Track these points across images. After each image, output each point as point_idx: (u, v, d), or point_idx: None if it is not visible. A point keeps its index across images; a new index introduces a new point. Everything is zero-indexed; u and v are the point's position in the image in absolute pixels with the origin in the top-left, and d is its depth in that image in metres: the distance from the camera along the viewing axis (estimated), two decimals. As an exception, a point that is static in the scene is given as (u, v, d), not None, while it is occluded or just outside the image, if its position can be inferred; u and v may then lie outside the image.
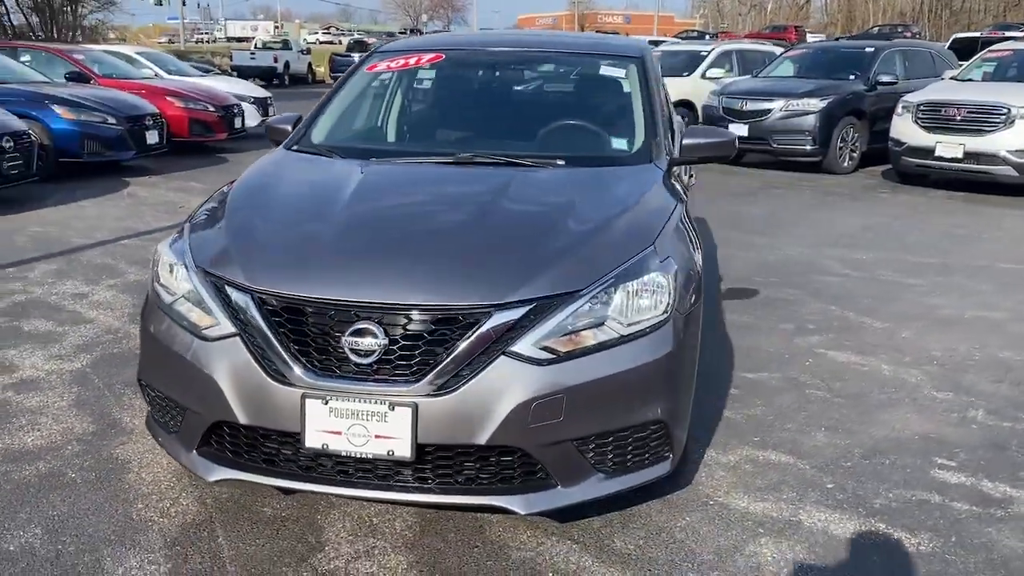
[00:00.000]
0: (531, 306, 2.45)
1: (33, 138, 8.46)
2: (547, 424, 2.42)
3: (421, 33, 34.98)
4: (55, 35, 36.68)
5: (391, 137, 3.80)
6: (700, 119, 12.58)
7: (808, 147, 11.36)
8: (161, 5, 48.61)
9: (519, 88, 4.17)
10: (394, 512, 2.86)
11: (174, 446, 2.74)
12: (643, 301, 2.59)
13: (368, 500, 2.64)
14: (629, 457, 2.62)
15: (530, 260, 2.58)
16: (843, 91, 11.59)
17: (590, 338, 2.49)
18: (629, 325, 2.54)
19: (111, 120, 9.87)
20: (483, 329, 2.41)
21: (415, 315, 2.43)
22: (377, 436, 2.41)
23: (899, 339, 4.79)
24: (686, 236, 3.06)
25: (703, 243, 6.10)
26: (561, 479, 2.51)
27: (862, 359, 4.46)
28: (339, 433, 2.43)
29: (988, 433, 3.60)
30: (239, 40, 59.96)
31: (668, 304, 2.62)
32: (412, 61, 4.04)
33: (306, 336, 2.47)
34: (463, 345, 2.40)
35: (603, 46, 4.22)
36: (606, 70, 3.96)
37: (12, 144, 8.04)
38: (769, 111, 11.48)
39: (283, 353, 2.46)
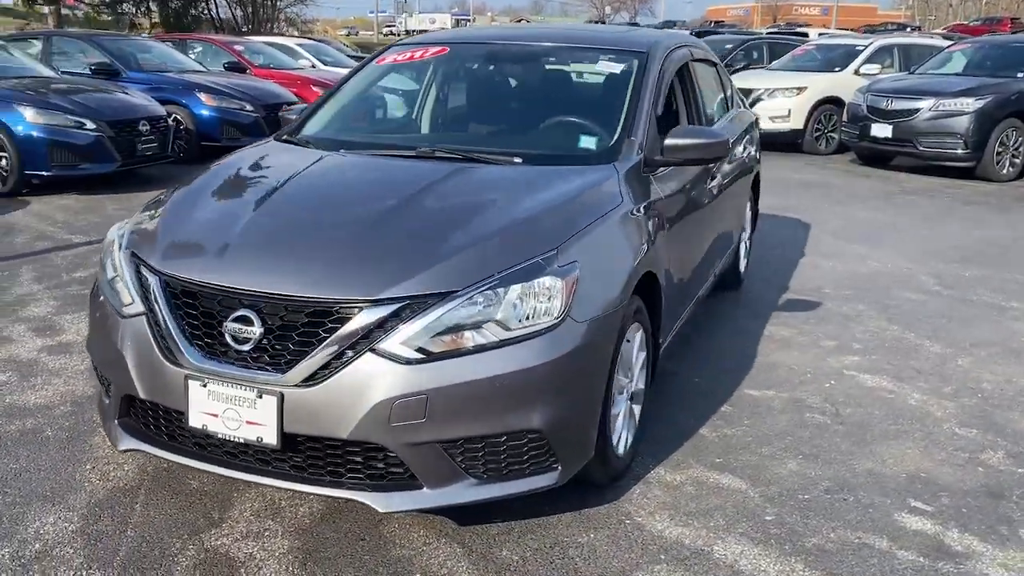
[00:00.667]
0: (400, 304, 2.43)
1: (169, 122, 9.18)
2: (409, 424, 2.40)
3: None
4: (256, 28, 39.43)
5: (372, 129, 3.84)
6: (846, 118, 11.83)
7: (959, 151, 10.43)
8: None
9: (510, 83, 4.11)
10: (304, 499, 2.92)
11: (105, 414, 2.93)
12: (532, 305, 2.50)
13: (250, 483, 2.70)
14: (505, 465, 2.55)
15: (413, 258, 2.55)
16: (1007, 90, 10.54)
17: (467, 340, 2.44)
18: (512, 329, 2.46)
19: (248, 107, 10.54)
20: (352, 324, 2.41)
21: (289, 306, 2.48)
22: (248, 422, 2.48)
23: (951, 366, 4.34)
24: (624, 242, 2.92)
25: (786, 250, 5.75)
26: (427, 480, 2.48)
27: (894, 385, 4.08)
28: (216, 416, 2.51)
29: (991, 478, 3.21)
30: (420, 33, 62.02)
31: (560, 310, 2.52)
32: (419, 55, 4.06)
33: (197, 320, 2.57)
34: (332, 339, 2.42)
35: (611, 40, 4.07)
36: (603, 66, 3.83)
37: (148, 127, 8.77)
38: (916, 111, 10.63)
39: (175, 335, 2.57)
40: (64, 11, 25.14)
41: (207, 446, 2.64)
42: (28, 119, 8.12)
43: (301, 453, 2.52)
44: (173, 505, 2.88)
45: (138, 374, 2.65)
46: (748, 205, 5.47)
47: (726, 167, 4.51)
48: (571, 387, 2.57)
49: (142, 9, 32.14)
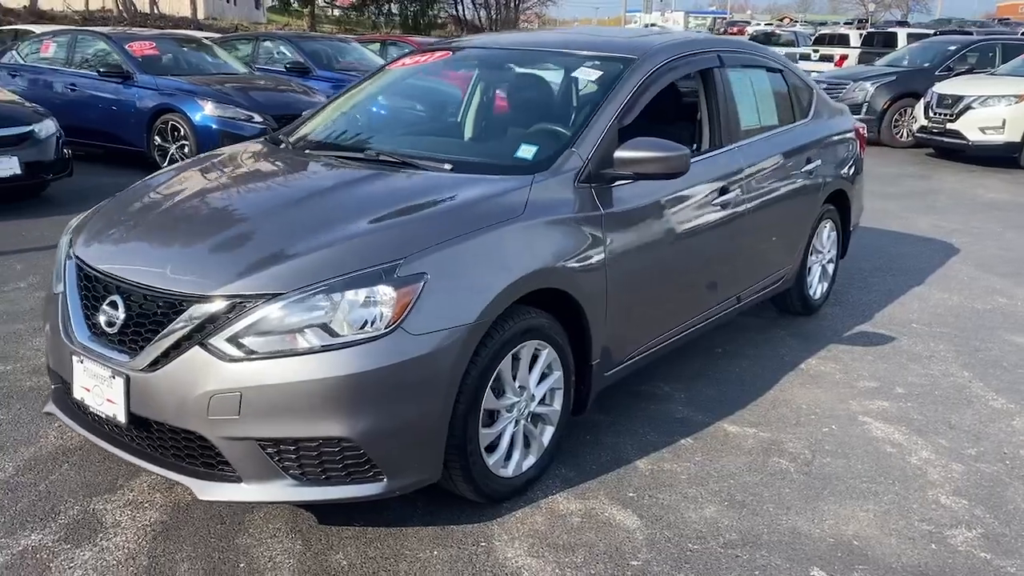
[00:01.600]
0: (231, 303, 2.52)
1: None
2: (225, 419, 2.49)
3: (864, 24, 32.46)
4: (499, 28, 40.96)
5: (350, 131, 3.91)
6: None
7: None
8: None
9: (485, 90, 4.03)
10: (201, 477, 3.09)
11: (50, 380, 3.27)
12: (362, 313, 2.50)
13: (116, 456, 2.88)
14: (323, 469, 2.56)
15: (254, 259, 2.62)
16: None
17: (289, 342, 2.48)
18: (340, 336, 2.48)
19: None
20: (187, 318, 2.54)
21: (147, 295, 2.65)
22: (107, 399, 2.69)
23: (997, 427, 3.75)
24: (507, 255, 2.81)
25: (904, 278, 5.21)
26: (245, 475, 2.55)
27: (907, 439, 3.60)
28: (89, 390, 2.74)
29: (938, 561, 2.76)
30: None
31: (390, 321, 2.50)
32: (423, 59, 4.11)
33: (89, 302, 2.82)
34: (170, 329, 2.56)
35: (604, 47, 3.87)
36: (582, 73, 3.68)
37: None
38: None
39: (71, 314, 2.84)
40: (316, 12, 27.47)
41: (88, 416, 2.88)
42: (207, 111, 9.06)
43: (149, 432, 2.68)
44: (94, 469, 3.16)
45: (50, 347, 2.95)
46: (825, 227, 5.00)
47: (764, 184, 4.17)
48: (395, 400, 2.53)
49: (384, 11, 34.37)
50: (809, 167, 4.62)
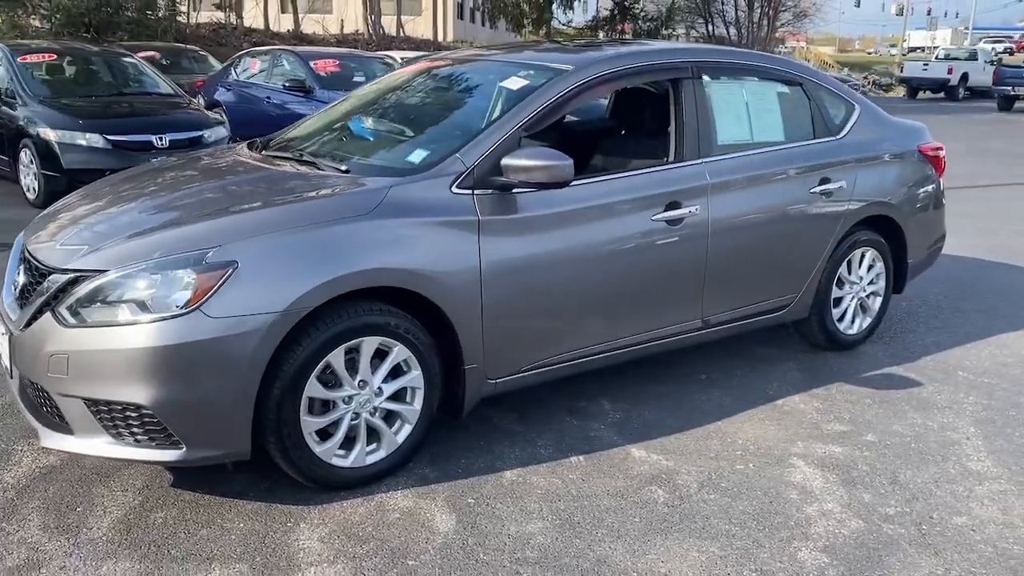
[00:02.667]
0: (74, 276, 2.88)
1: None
2: (59, 377, 2.84)
3: None
4: (750, 44, 39.87)
5: (305, 133, 4.13)
6: None
7: None
8: (859, 7, 48.52)
9: (421, 98, 4.11)
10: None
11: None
12: (171, 292, 2.75)
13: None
14: (131, 431, 2.83)
15: (109, 239, 2.96)
16: None
17: (110, 314, 2.79)
18: (151, 312, 2.74)
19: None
20: (47, 286, 2.94)
21: (34, 265, 3.08)
22: (6, 352, 3.15)
23: (955, 488, 3.27)
24: (336, 252, 2.91)
25: (987, 319, 4.96)
26: (75, 429, 2.89)
27: (827, 488, 3.26)
28: (2, 344, 3.23)
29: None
30: (920, 50, 56.48)
31: (190, 302, 2.73)
32: (403, 71, 4.32)
33: (17, 271, 3.32)
34: (36, 295, 2.97)
35: (547, 59, 3.83)
36: (507, 82, 3.69)
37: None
38: None
39: (6, 281, 3.35)
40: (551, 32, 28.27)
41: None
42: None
43: (31, 384, 3.10)
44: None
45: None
46: (860, 256, 4.55)
47: (743, 202, 3.93)
48: (191, 376, 2.73)
49: (618, 30, 34.57)
50: (824, 188, 4.26)
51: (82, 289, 2.82)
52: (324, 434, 3.05)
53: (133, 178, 3.79)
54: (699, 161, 3.86)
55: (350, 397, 3.05)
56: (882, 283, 4.75)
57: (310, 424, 2.98)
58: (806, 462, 3.44)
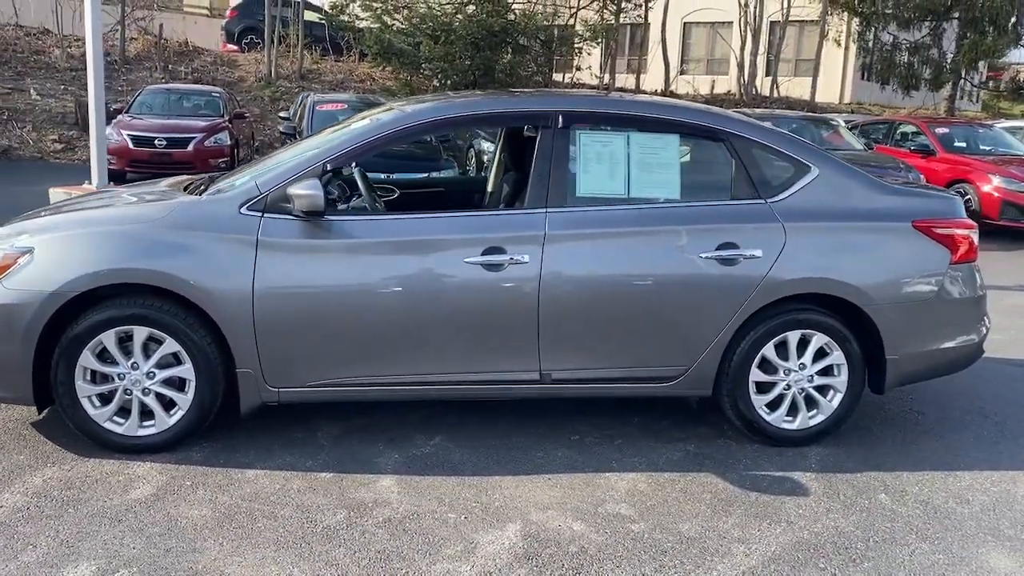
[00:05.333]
0: None
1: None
2: None
3: None
4: None
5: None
6: None
7: None
8: None
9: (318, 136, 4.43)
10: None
11: None
12: None
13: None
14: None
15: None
16: None
17: None
18: None
19: None
20: None
21: None
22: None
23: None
24: (101, 249, 3.55)
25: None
26: None
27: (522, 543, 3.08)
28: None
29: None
30: None
31: None
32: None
33: None
34: None
35: (405, 106, 4.03)
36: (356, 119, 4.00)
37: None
38: None
39: None
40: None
41: None
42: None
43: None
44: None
45: None
46: (799, 339, 3.95)
47: (597, 257, 3.79)
48: (-9, 330, 3.56)
49: None
50: (724, 253, 3.84)
51: None
52: (106, 400, 3.68)
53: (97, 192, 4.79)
54: (538, 210, 3.78)
55: (122, 374, 3.64)
56: (842, 376, 4.03)
57: (84, 389, 3.63)
58: (538, 519, 3.23)
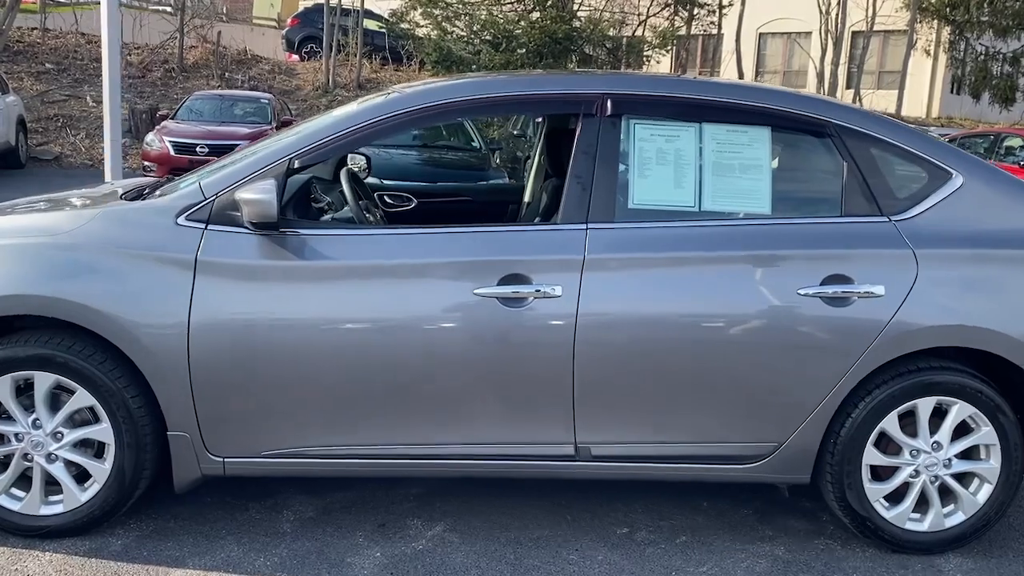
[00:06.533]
0: None
1: None
2: None
3: None
4: None
5: None
6: None
7: None
8: None
9: None
10: None
11: None
12: None
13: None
14: None
15: None
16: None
17: None
18: None
19: None
20: None
21: None
22: None
23: None
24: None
25: None
26: None
27: None
28: None
29: None
30: None
31: None
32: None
33: None
34: None
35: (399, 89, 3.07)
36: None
37: None
38: None
39: None
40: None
41: None
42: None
43: None
44: None
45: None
46: (932, 410, 2.87)
47: (680, 294, 2.80)
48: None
49: None
50: (832, 289, 2.78)
51: None
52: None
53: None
54: (576, 226, 2.79)
55: (20, 435, 2.76)
56: (992, 461, 2.93)
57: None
58: None
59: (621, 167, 2.85)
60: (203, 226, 2.74)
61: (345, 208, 3.21)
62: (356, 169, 4.32)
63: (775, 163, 2.92)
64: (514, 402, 2.80)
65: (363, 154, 4.35)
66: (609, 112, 2.86)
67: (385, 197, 4.24)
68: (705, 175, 2.88)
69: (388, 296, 2.73)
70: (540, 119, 4.59)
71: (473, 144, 9.64)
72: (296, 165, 2.80)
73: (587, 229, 2.78)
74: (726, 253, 2.80)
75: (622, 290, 2.76)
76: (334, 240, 2.77)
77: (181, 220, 2.75)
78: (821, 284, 2.79)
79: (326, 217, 3.24)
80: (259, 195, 2.59)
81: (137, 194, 3.11)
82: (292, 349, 2.71)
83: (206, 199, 2.77)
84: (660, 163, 2.87)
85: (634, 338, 2.76)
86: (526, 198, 4.22)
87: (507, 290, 2.72)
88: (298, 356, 2.72)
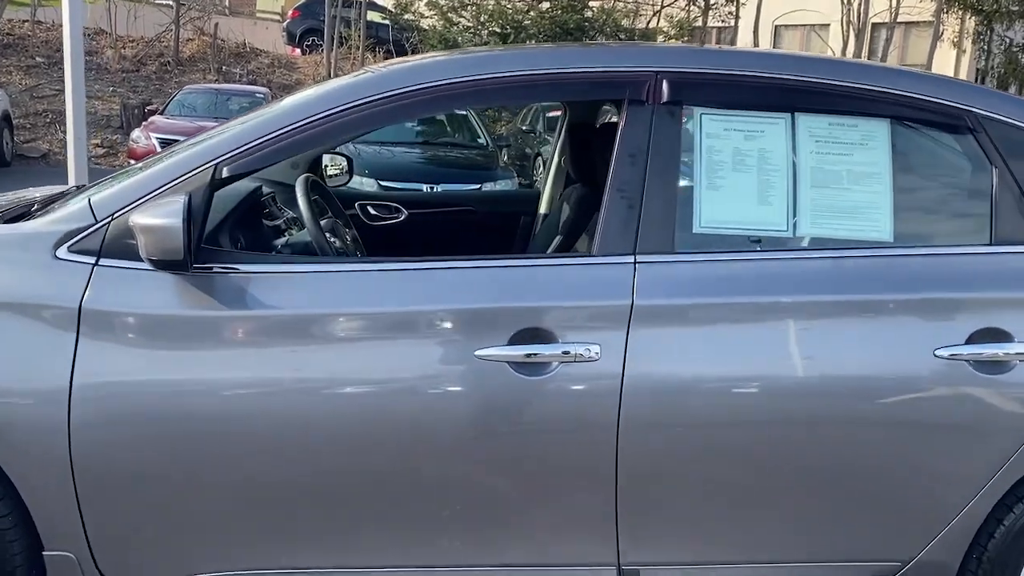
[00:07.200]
0: None
1: None
2: None
3: None
4: None
5: None
6: None
7: None
8: None
9: None
10: None
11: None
12: None
13: None
14: None
15: None
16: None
17: None
18: None
19: None
20: None
21: None
22: None
23: None
24: None
25: None
26: None
27: None
28: None
29: None
30: None
31: None
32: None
33: None
34: None
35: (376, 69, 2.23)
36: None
37: None
38: None
39: None
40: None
41: None
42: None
43: None
44: None
45: None
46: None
47: (769, 358, 1.98)
48: None
49: None
50: (982, 351, 1.96)
51: None
52: None
53: None
54: (621, 259, 1.97)
55: None
56: None
57: None
58: None
59: (683, 176, 2.03)
60: (92, 261, 1.93)
61: (304, 231, 2.39)
62: (336, 172, 3.50)
63: (900, 168, 2.09)
64: (535, 508, 1.99)
65: (342, 154, 3.53)
66: (665, 98, 2.04)
67: (369, 207, 3.43)
68: (801, 186, 2.05)
69: (352, 360, 1.93)
70: (560, 109, 3.77)
71: (479, 141, 8.82)
72: (225, 174, 1.97)
73: (635, 263, 1.96)
74: (831, 298, 1.98)
75: (685, 351, 1.95)
76: (274, 280, 1.96)
77: (62, 252, 1.94)
78: (967, 342, 1.96)
79: (281, 241, 2.44)
80: (159, 220, 1.78)
81: (24, 211, 2.30)
82: (217, 435, 1.91)
83: (97, 223, 1.95)
84: (737, 169, 2.04)
85: (701, 419, 1.95)
86: (542, 209, 3.40)
87: (521, 351, 1.91)
88: (226, 444, 1.91)
